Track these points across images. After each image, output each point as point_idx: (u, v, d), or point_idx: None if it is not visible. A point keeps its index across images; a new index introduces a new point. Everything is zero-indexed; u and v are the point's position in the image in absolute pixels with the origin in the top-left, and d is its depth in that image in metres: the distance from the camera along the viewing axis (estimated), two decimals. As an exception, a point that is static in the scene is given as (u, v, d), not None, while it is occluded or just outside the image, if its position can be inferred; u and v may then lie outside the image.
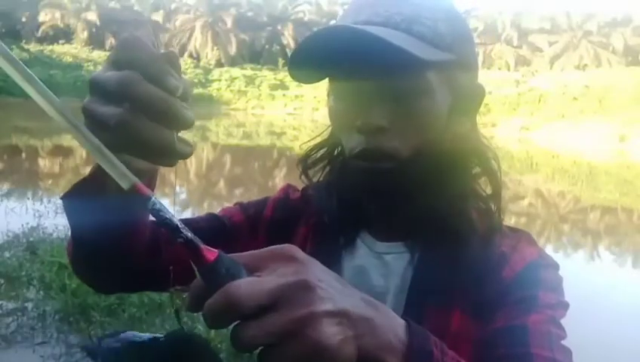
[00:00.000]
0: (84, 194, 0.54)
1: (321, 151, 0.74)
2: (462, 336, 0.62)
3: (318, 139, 0.75)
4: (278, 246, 0.38)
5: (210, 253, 0.35)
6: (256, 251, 0.38)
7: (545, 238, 8.83)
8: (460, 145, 0.65)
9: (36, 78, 0.37)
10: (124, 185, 0.38)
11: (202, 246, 0.36)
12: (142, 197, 0.38)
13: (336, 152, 0.74)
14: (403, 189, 0.64)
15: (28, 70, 0.37)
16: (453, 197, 0.65)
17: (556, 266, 0.67)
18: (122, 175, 0.38)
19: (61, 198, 0.56)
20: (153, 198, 0.38)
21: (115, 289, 0.78)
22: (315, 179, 0.76)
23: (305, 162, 0.75)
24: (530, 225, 9.63)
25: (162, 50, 0.42)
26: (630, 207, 11.92)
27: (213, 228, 0.74)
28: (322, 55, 0.58)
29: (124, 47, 0.41)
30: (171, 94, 0.40)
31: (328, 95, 0.66)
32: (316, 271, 0.37)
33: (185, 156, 0.42)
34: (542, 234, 9.10)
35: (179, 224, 0.37)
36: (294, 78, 0.61)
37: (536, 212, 11.13)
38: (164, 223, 0.37)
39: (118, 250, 0.60)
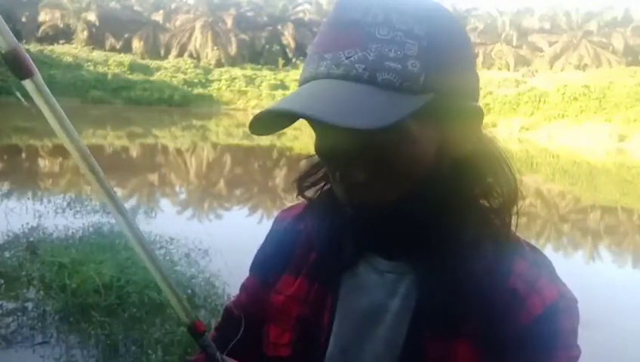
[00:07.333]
0: None
1: (320, 173, 0.69)
2: None
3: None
4: None
5: None
6: None
7: (545, 238, 8.83)
8: (460, 168, 0.61)
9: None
10: (185, 319, 0.58)
11: None
12: (197, 332, 0.59)
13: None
14: (397, 222, 0.60)
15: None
16: (456, 218, 0.61)
17: (574, 304, 0.62)
18: (184, 309, 0.60)
19: None
20: (206, 334, 0.58)
21: None
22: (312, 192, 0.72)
23: (302, 182, 0.70)
24: (530, 225, 9.63)
25: None
26: (630, 207, 11.91)
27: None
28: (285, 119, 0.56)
29: None
30: None
31: None
32: None
33: None
34: (542, 234, 9.10)
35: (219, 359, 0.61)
36: (259, 133, 0.57)
37: (536, 212, 11.13)
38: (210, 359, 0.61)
39: None
